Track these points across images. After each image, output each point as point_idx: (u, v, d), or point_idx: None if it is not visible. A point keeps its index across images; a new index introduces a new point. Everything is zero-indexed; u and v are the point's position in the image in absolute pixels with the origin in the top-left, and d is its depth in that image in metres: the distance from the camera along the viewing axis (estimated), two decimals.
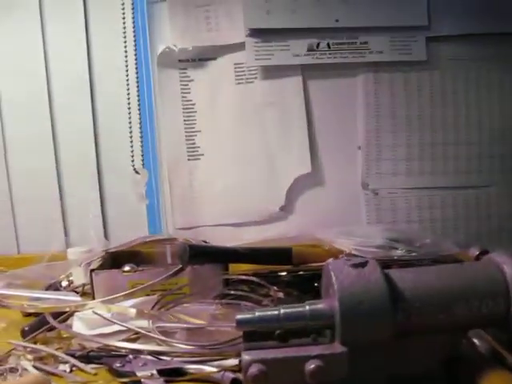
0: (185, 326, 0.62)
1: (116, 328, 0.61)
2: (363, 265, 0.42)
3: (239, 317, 0.45)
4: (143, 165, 1.03)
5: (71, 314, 0.67)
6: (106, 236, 1.05)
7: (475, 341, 0.53)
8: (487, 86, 1.07)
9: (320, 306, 0.44)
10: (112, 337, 0.60)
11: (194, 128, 1.05)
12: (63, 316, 0.67)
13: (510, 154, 1.08)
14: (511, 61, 1.06)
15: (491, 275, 0.44)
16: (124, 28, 1.02)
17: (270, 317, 0.45)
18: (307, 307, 0.44)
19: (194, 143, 1.05)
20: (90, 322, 0.64)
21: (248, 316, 0.45)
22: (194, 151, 1.05)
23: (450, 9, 1.03)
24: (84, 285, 0.85)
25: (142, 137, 1.03)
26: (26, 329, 0.64)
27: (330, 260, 0.48)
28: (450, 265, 0.47)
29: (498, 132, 1.07)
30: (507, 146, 1.07)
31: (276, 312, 0.45)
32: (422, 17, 1.03)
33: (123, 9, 1.01)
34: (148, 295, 0.73)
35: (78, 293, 0.82)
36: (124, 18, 1.01)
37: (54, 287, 0.84)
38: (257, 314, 0.45)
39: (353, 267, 0.42)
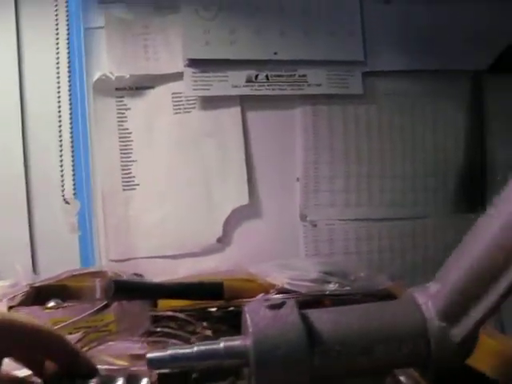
0: (105, 367, 0.59)
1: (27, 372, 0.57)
2: (280, 306, 0.41)
3: (150, 356, 0.42)
4: (74, 194, 1.00)
5: None
6: (34, 269, 1.00)
7: (401, 378, 0.53)
8: (421, 120, 1.10)
9: (236, 342, 0.42)
10: None
11: (130, 157, 1.03)
12: None
13: (443, 186, 1.11)
14: (445, 97, 1.10)
15: (410, 315, 0.44)
16: (57, 54, 0.99)
17: (182, 355, 0.42)
18: (222, 344, 0.42)
19: (129, 173, 1.03)
20: None
21: (159, 355, 0.43)
22: (129, 181, 1.03)
23: (385, 45, 1.06)
24: None
25: (73, 165, 0.99)
26: None
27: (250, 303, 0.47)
28: (370, 304, 0.47)
29: (431, 165, 1.10)
30: (440, 179, 1.10)
31: (189, 350, 0.42)
32: (358, 52, 1.05)
33: (57, 34, 0.99)
34: (71, 333, 0.69)
35: None
36: (58, 44, 0.99)
37: None
38: (168, 352, 0.42)
39: (269, 309, 0.41)
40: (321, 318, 0.42)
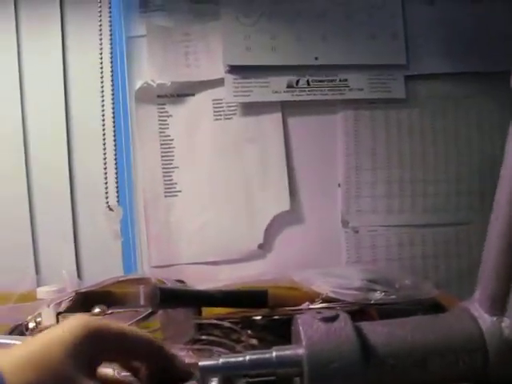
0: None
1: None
2: (333, 319, 0.40)
3: (203, 364, 0.43)
4: (118, 201, 1.01)
5: None
6: (79, 275, 1.02)
7: None
8: (465, 123, 1.07)
9: (288, 352, 0.42)
10: None
11: (171, 164, 1.03)
12: None
13: (489, 191, 1.07)
14: (489, 99, 1.07)
15: (467, 329, 0.42)
16: (101, 62, 1.00)
17: (235, 363, 0.42)
18: (274, 353, 0.42)
19: (171, 179, 1.03)
20: None
21: (212, 363, 0.43)
22: (171, 188, 1.03)
23: (427, 48, 1.04)
24: (52, 326, 0.81)
25: (117, 173, 1.01)
26: None
27: (301, 311, 0.46)
28: (425, 317, 0.46)
29: (476, 169, 1.07)
30: (486, 183, 1.07)
31: (241, 358, 0.42)
32: (401, 56, 1.04)
33: (101, 44, 1.00)
34: None
35: None
36: (101, 53, 1.00)
37: (20, 330, 0.80)
38: (221, 360, 0.43)
39: (323, 321, 0.40)
40: (374, 330, 0.42)
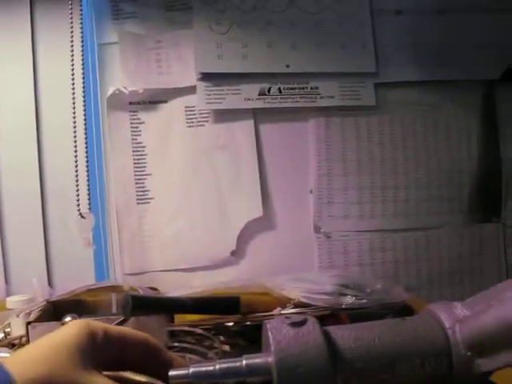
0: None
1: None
2: (302, 323, 0.41)
3: (172, 373, 0.43)
4: (90, 209, 1.00)
5: None
6: (50, 283, 1.01)
7: None
8: (434, 130, 1.10)
9: (258, 360, 0.42)
10: None
11: (144, 171, 1.03)
12: None
13: (458, 196, 1.10)
14: (457, 106, 1.10)
15: (432, 332, 0.43)
16: (72, 69, 1.00)
17: (205, 373, 0.42)
18: (244, 362, 0.42)
19: (143, 186, 1.03)
20: None
21: (182, 372, 0.43)
22: (143, 195, 1.03)
23: (396, 57, 1.07)
24: (22, 337, 0.80)
25: (88, 180, 1.00)
26: None
27: (271, 318, 0.46)
28: (392, 320, 0.46)
29: (445, 175, 1.10)
30: (454, 188, 1.10)
31: (211, 368, 0.42)
32: (370, 64, 1.06)
33: (72, 50, 1.00)
34: None
35: (14, 345, 0.78)
36: (73, 60, 0.99)
37: None
38: (191, 370, 0.42)
39: (291, 326, 0.41)
40: (343, 334, 0.42)
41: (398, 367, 0.42)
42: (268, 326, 0.42)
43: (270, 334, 0.41)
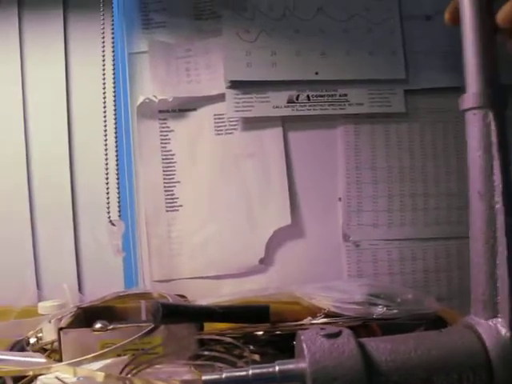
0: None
1: None
2: (337, 335, 0.41)
3: (206, 378, 0.43)
4: (120, 216, 1.01)
5: (35, 377, 0.64)
6: (80, 289, 1.02)
7: None
8: (465, 137, 1.07)
9: (291, 366, 0.42)
10: None
11: (173, 179, 1.04)
12: (26, 379, 0.63)
13: None
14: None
15: (470, 345, 0.42)
16: (104, 78, 1.01)
17: (238, 378, 0.42)
18: (277, 368, 0.42)
19: (172, 194, 1.04)
20: None
21: (215, 377, 0.43)
22: (172, 202, 1.04)
23: (426, 63, 1.05)
24: (53, 342, 0.81)
25: (118, 187, 1.01)
26: None
27: (304, 326, 0.46)
28: (428, 332, 0.46)
29: None
30: None
31: (244, 373, 0.42)
32: (400, 70, 1.04)
33: (103, 60, 1.01)
34: (119, 355, 0.69)
35: (46, 350, 0.79)
36: (104, 69, 1.01)
37: (21, 345, 0.80)
38: (224, 375, 0.43)
39: (326, 338, 0.40)
40: (378, 347, 0.42)
41: (436, 381, 0.41)
42: (302, 337, 0.41)
43: (304, 345, 0.40)
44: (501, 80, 0.51)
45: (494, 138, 0.46)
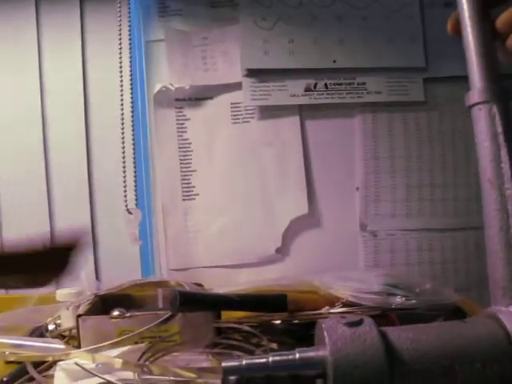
0: (172, 379, 0.59)
1: (99, 380, 0.58)
2: (358, 323, 0.40)
3: (226, 365, 0.42)
4: (136, 204, 1.01)
5: (54, 363, 0.64)
6: (97, 277, 1.03)
7: None
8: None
9: (311, 353, 0.42)
10: None
11: (189, 167, 1.04)
12: (45, 365, 0.64)
13: None
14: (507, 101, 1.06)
15: (494, 335, 0.41)
16: (120, 66, 1.01)
17: (258, 365, 0.42)
18: (297, 355, 0.42)
19: (189, 183, 1.04)
20: (73, 373, 0.61)
21: (235, 364, 0.42)
22: (189, 191, 1.04)
23: (446, 51, 1.03)
24: (72, 329, 0.82)
25: (135, 176, 1.01)
26: (5, 379, 0.61)
27: (324, 316, 0.46)
28: (450, 322, 0.45)
29: None
30: None
31: (264, 360, 0.42)
32: (419, 58, 1.03)
33: (120, 47, 1.01)
34: (137, 343, 0.70)
35: (65, 337, 0.80)
36: (121, 57, 1.01)
37: (40, 331, 0.81)
38: (244, 362, 0.42)
39: (347, 326, 0.40)
40: (400, 336, 0.41)
41: (458, 370, 0.41)
42: (323, 325, 0.41)
43: (325, 333, 0.40)
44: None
45: (499, 129, 0.48)
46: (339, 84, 1.03)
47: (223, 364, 0.42)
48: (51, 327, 0.83)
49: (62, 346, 0.70)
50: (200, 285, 0.92)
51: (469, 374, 0.40)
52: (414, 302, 0.75)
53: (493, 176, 0.48)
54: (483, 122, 0.50)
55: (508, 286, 0.45)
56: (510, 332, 0.41)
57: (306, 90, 1.02)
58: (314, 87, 1.02)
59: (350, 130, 1.05)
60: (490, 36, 0.52)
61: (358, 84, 1.03)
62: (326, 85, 1.03)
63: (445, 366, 0.40)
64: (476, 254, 1.06)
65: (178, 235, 1.03)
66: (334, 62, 1.02)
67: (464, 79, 1.04)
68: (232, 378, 0.42)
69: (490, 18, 0.52)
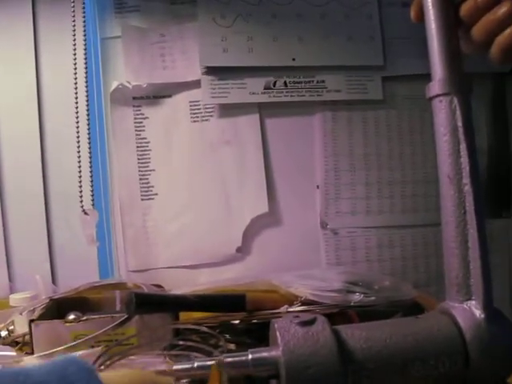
0: None
1: None
2: (311, 323, 0.40)
3: (177, 367, 0.42)
4: (93, 205, 0.99)
5: None
6: (53, 281, 1.00)
7: None
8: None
9: (264, 354, 0.42)
10: None
11: (147, 167, 1.02)
12: None
13: None
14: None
15: (446, 331, 0.42)
16: (75, 64, 0.98)
17: (209, 366, 0.42)
18: (250, 356, 0.42)
19: (147, 182, 1.02)
20: None
21: (186, 366, 0.42)
22: (147, 191, 1.02)
23: (404, 50, 1.04)
24: (25, 335, 0.79)
25: (92, 176, 0.99)
26: None
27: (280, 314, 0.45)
28: (404, 319, 0.45)
29: None
30: None
31: (215, 361, 0.42)
32: (378, 57, 1.04)
33: (75, 45, 0.98)
34: (93, 347, 0.68)
35: (18, 343, 0.77)
36: (75, 55, 0.98)
37: None
38: (196, 364, 0.42)
39: (300, 326, 0.39)
40: (353, 334, 0.41)
41: (411, 368, 0.41)
42: (276, 325, 0.40)
43: (278, 333, 0.39)
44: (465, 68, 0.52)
45: (459, 123, 0.47)
46: (299, 82, 1.03)
47: (174, 367, 0.41)
48: (4, 334, 0.80)
49: (13, 353, 0.68)
50: (159, 286, 0.90)
51: (422, 371, 0.41)
52: (372, 298, 0.76)
53: (451, 171, 0.48)
54: (443, 115, 0.49)
55: (462, 283, 0.45)
56: (462, 327, 0.42)
57: (265, 88, 1.02)
58: (274, 85, 1.02)
59: (309, 128, 1.05)
60: (452, 24, 0.50)
61: (318, 82, 1.03)
62: (285, 83, 1.02)
63: (398, 364, 0.40)
64: (435, 250, 1.07)
65: (137, 236, 1.01)
66: (294, 59, 1.02)
67: (422, 77, 1.04)
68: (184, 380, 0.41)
69: (453, 5, 0.50)
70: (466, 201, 0.46)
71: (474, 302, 0.43)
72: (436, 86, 0.49)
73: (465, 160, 0.46)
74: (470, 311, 0.42)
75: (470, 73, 1.05)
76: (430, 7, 0.50)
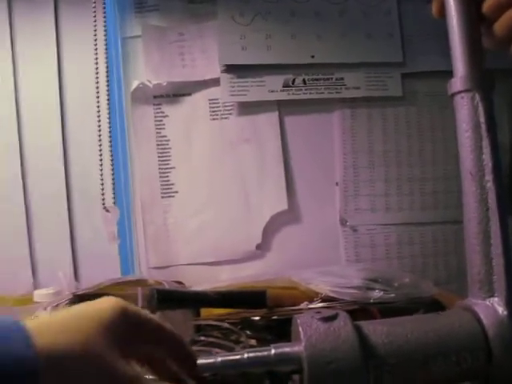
0: (151, 377, 0.58)
1: None
2: (333, 318, 0.40)
3: (200, 362, 0.42)
4: (115, 203, 1.00)
5: None
6: (76, 277, 1.01)
7: None
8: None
9: (286, 349, 0.42)
10: None
11: (168, 164, 1.03)
12: None
13: None
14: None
15: (468, 327, 0.42)
16: (96, 63, 1.00)
17: (232, 362, 0.42)
18: (272, 351, 0.42)
19: (168, 180, 1.03)
20: None
21: (210, 361, 0.42)
22: (168, 188, 1.03)
23: (424, 46, 1.04)
24: None
25: (113, 174, 1.00)
26: None
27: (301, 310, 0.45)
28: (425, 315, 0.45)
29: None
30: None
31: (239, 356, 0.42)
32: (397, 53, 1.03)
33: (96, 45, 0.99)
34: None
35: None
36: (96, 54, 0.99)
37: None
38: (219, 359, 0.42)
39: (322, 321, 0.40)
40: (375, 330, 0.41)
41: (433, 363, 0.41)
42: (298, 320, 0.41)
43: (300, 328, 0.40)
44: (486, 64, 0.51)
45: (482, 119, 0.47)
46: (317, 79, 1.03)
47: (198, 361, 0.41)
48: None
49: None
50: (180, 282, 0.91)
51: (443, 366, 0.41)
52: (392, 295, 0.76)
53: (473, 168, 0.47)
54: (465, 111, 0.48)
55: (485, 280, 0.45)
56: (484, 324, 0.42)
57: (284, 86, 1.02)
58: (293, 83, 1.02)
59: (328, 126, 1.05)
60: (475, 21, 0.50)
61: (337, 79, 1.03)
62: (304, 80, 1.02)
63: (419, 360, 0.40)
64: (456, 247, 1.07)
65: (158, 233, 1.02)
66: (312, 57, 1.02)
67: (442, 74, 1.04)
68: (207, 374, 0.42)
69: (475, 1, 0.50)
70: (489, 197, 0.46)
71: (496, 299, 0.43)
72: (458, 82, 0.49)
73: (487, 156, 0.46)
74: (492, 308, 0.42)
75: (492, 69, 1.05)
76: (452, 3, 0.50)
